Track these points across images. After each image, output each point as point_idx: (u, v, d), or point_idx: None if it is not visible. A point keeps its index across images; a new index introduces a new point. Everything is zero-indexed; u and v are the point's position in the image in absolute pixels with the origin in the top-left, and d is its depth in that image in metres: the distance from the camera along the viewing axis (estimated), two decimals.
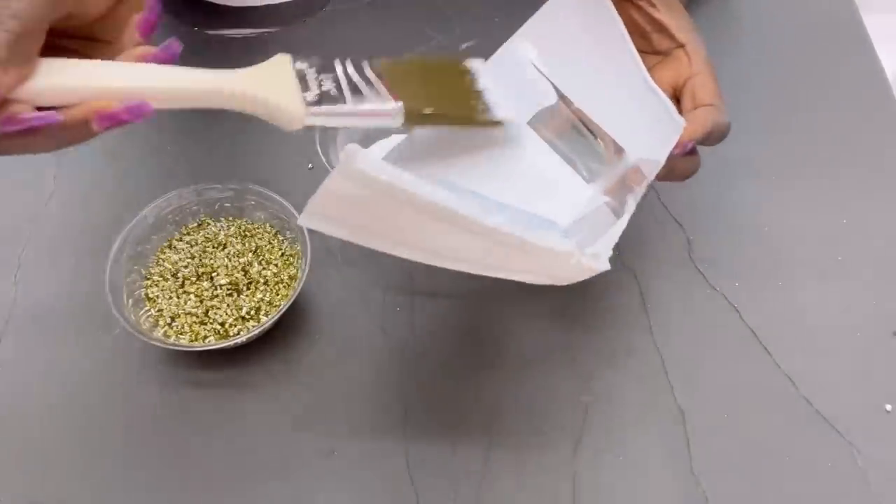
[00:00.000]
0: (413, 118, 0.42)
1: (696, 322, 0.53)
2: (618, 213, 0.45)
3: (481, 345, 0.52)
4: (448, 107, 0.44)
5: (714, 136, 0.46)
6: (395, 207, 0.37)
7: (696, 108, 0.46)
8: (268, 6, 0.70)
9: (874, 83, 0.65)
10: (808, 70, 0.66)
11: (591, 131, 0.48)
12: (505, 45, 0.49)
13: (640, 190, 0.44)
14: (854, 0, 0.71)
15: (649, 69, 0.48)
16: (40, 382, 0.51)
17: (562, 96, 0.48)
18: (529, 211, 0.46)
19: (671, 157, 0.45)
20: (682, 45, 0.47)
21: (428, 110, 0.42)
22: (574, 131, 0.48)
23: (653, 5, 0.48)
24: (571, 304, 0.54)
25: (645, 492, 0.47)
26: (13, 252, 0.56)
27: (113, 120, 0.36)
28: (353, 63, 0.42)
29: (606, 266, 0.41)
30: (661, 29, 0.48)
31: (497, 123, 0.45)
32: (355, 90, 0.41)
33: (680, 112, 0.47)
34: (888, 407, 0.49)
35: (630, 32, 0.48)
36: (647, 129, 0.46)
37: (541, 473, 0.47)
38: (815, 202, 0.58)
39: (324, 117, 0.39)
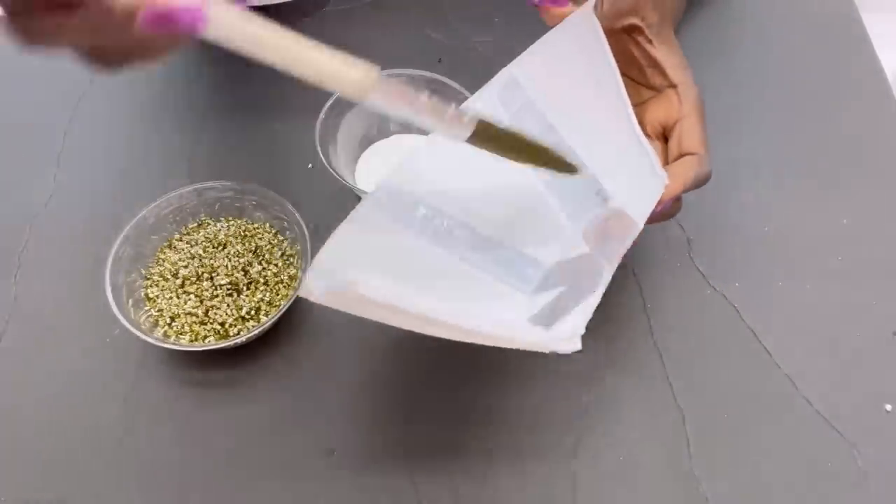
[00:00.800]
0: (484, 134, 0.40)
1: (696, 322, 0.53)
2: (597, 265, 0.45)
3: (481, 344, 0.52)
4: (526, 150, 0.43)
5: (692, 187, 0.46)
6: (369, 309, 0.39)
7: (681, 157, 0.46)
8: (268, 6, 0.70)
9: (874, 83, 0.65)
10: (807, 70, 0.66)
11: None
12: (500, 74, 0.48)
13: (617, 259, 0.44)
14: None
15: (643, 103, 0.49)
16: (40, 382, 0.51)
17: (553, 130, 0.48)
18: (514, 249, 0.46)
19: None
20: (673, 86, 0.48)
21: (503, 127, 0.41)
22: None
23: (649, 41, 0.48)
24: None
25: (645, 492, 0.47)
26: (13, 252, 0.56)
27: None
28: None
29: (578, 347, 0.41)
30: (655, 65, 0.48)
31: (573, 168, 0.44)
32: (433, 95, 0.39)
33: (666, 155, 0.47)
34: (888, 407, 0.49)
35: (628, 65, 0.49)
36: (631, 180, 0.46)
37: (541, 473, 0.47)
38: (815, 202, 0.58)
39: (391, 98, 0.37)
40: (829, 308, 0.53)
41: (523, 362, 0.51)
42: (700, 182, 0.46)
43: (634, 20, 0.48)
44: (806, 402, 0.50)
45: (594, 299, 0.43)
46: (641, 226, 0.44)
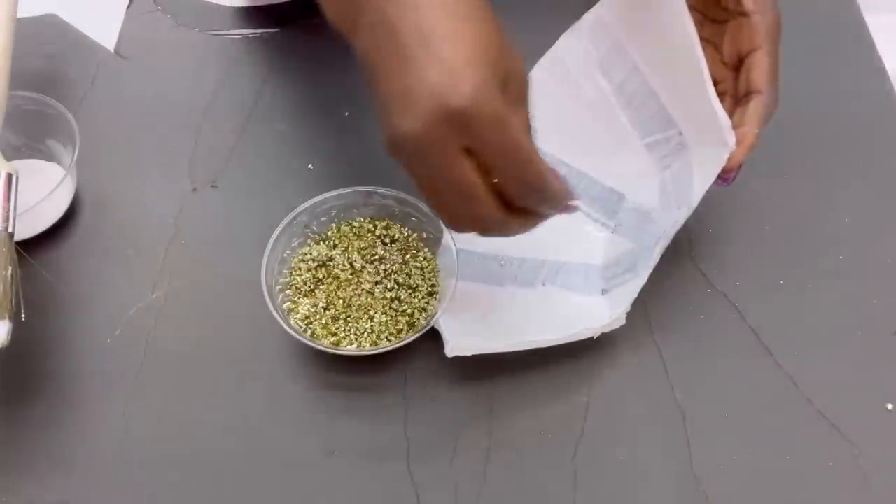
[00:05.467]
0: None
1: (697, 322, 0.53)
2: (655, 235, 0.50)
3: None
4: None
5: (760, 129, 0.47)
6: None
7: (748, 94, 0.47)
8: (268, 6, 0.70)
9: (876, 83, 0.64)
10: (809, 69, 0.66)
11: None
12: (585, 16, 0.52)
13: (667, 241, 0.48)
14: (856, 0, 0.70)
15: (714, 37, 0.49)
16: (40, 382, 0.51)
17: (638, 70, 0.52)
18: (598, 181, 0.55)
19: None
20: (747, 14, 0.47)
21: None
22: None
23: None
24: None
25: (645, 492, 0.47)
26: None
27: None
28: None
29: (623, 322, 0.49)
30: None
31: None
32: None
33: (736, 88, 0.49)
34: (889, 406, 0.49)
35: None
36: (702, 137, 0.49)
37: (541, 473, 0.47)
38: (815, 202, 0.58)
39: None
40: (830, 307, 0.53)
41: (523, 362, 0.51)
42: (767, 122, 0.47)
43: None
44: (807, 402, 0.49)
45: (639, 282, 0.49)
46: (695, 203, 0.48)
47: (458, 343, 0.48)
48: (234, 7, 0.70)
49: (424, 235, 0.54)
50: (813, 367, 0.51)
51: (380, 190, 0.54)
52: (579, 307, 0.52)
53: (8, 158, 0.53)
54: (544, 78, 0.53)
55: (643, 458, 0.48)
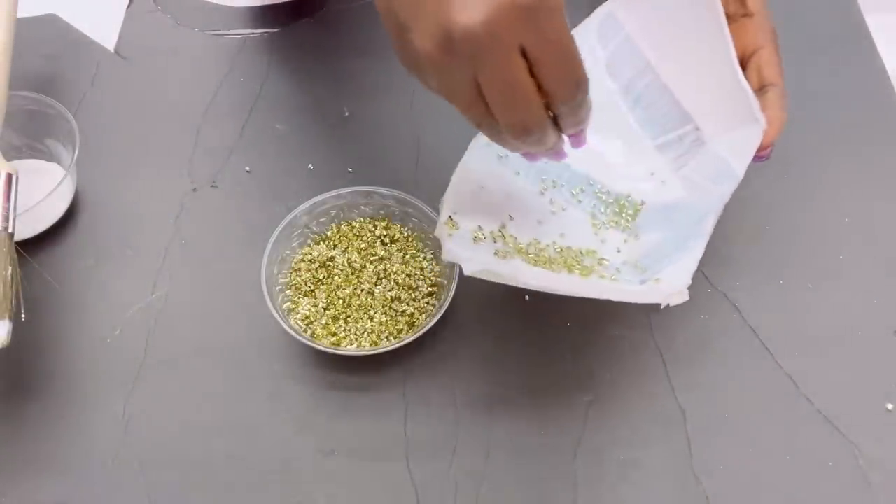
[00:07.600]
0: None
1: (697, 322, 0.53)
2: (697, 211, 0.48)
3: (481, 345, 0.52)
4: None
5: None
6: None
7: (761, 88, 0.48)
8: (268, 6, 0.70)
9: (876, 83, 0.64)
10: (810, 69, 0.66)
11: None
12: (597, 11, 0.51)
13: (716, 215, 0.46)
14: (856, 0, 0.70)
15: None
16: (41, 382, 0.51)
17: (650, 67, 0.51)
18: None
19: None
20: (750, 15, 0.48)
21: None
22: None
23: None
24: (571, 303, 0.53)
25: (645, 492, 0.47)
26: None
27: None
28: None
29: (686, 298, 0.44)
30: None
31: None
32: None
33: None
34: (889, 406, 0.49)
35: None
36: (729, 123, 0.48)
37: (541, 473, 0.47)
38: (815, 201, 0.58)
39: None
40: (830, 307, 0.53)
41: (523, 362, 0.51)
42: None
43: None
44: (807, 401, 0.49)
45: (698, 253, 0.46)
46: (741, 175, 0.47)
47: (483, 268, 0.45)
48: (234, 7, 0.70)
49: (424, 235, 0.54)
50: (813, 367, 0.51)
51: (380, 190, 0.54)
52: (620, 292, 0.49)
53: (8, 158, 0.53)
54: None
55: (643, 458, 0.48)
